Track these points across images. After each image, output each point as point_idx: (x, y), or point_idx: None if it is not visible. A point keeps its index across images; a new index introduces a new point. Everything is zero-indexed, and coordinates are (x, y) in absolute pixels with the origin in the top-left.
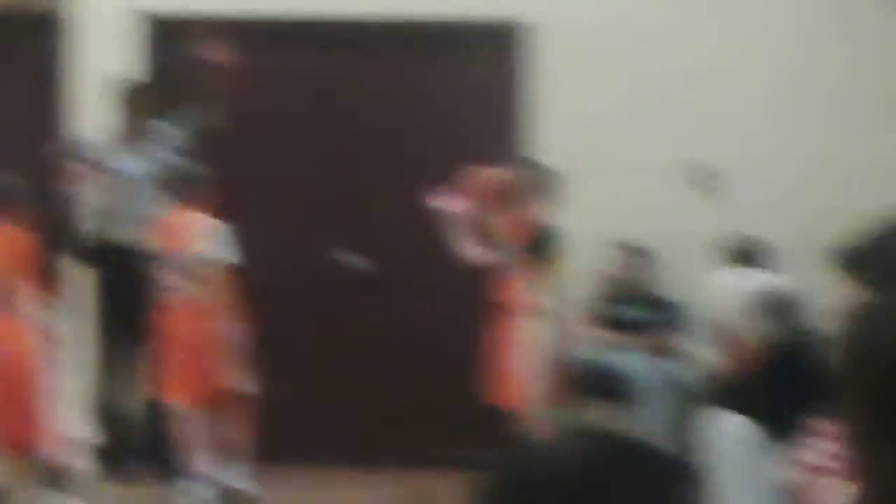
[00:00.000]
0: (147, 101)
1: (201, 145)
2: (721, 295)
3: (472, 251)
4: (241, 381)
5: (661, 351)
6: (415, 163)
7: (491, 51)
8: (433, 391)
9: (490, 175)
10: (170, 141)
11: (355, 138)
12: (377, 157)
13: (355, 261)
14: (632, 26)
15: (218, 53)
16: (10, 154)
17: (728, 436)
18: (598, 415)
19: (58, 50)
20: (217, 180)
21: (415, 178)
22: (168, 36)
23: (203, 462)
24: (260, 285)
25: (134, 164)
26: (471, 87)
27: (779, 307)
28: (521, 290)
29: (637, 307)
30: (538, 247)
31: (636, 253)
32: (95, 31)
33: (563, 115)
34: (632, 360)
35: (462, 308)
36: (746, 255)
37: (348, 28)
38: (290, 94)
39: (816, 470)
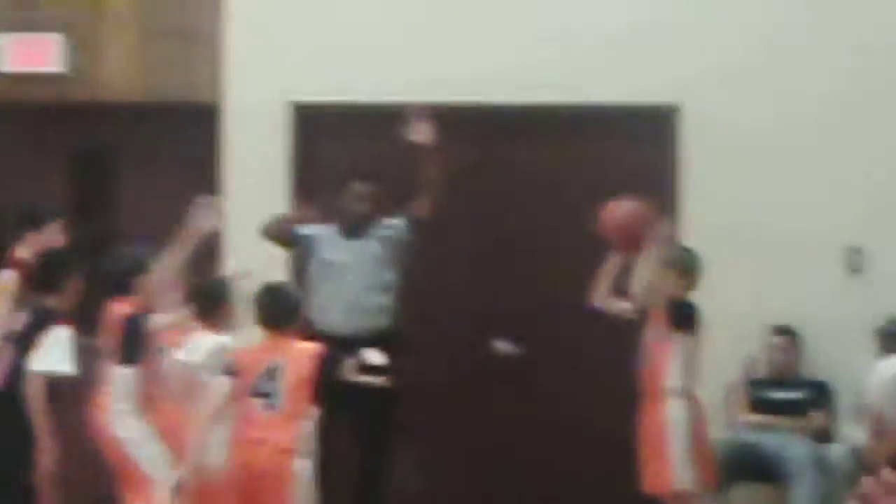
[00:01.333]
0: (367, 193)
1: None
2: (873, 378)
3: (614, 304)
4: None
5: (811, 432)
6: (567, 244)
7: (648, 133)
8: (587, 475)
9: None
10: (389, 231)
11: (519, 218)
12: (530, 242)
13: (507, 346)
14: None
15: (424, 136)
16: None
17: None
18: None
19: (214, 139)
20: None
21: (566, 260)
22: (316, 124)
23: None
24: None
25: (347, 253)
26: (628, 168)
27: None
28: (667, 370)
29: (786, 388)
30: (677, 318)
31: (784, 333)
32: (248, 121)
33: (713, 194)
34: (783, 442)
35: (614, 391)
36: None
37: (508, 113)
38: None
39: None
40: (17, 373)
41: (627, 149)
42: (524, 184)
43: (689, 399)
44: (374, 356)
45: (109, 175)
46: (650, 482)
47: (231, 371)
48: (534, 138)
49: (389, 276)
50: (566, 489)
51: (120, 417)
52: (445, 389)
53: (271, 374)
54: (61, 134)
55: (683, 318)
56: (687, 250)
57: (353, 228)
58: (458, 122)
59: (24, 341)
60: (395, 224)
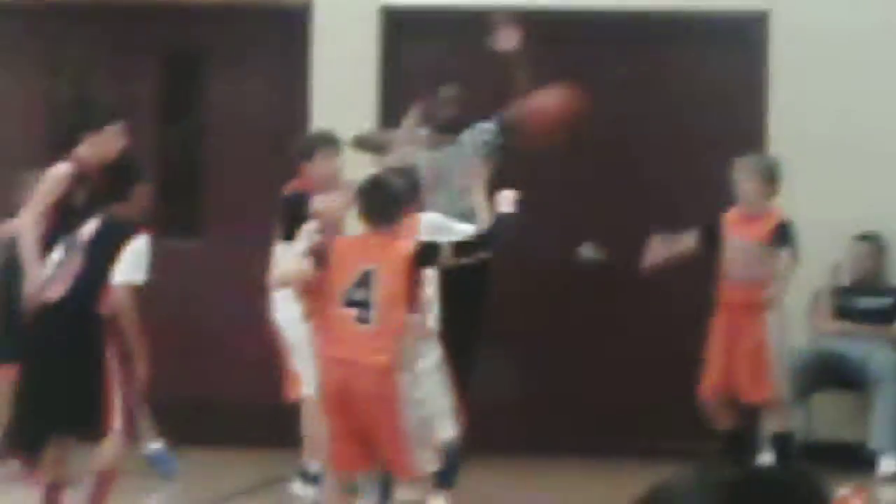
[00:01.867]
0: (454, 99)
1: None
2: None
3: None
4: None
5: (895, 340)
6: (656, 151)
7: (731, 41)
8: (669, 384)
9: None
10: (480, 135)
11: (604, 129)
12: (620, 148)
13: (592, 252)
14: (866, 19)
15: (510, 43)
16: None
17: None
18: None
19: (304, 41)
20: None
21: (656, 168)
22: (409, 30)
23: None
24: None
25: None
26: (718, 75)
27: None
28: (769, 284)
29: (870, 295)
30: (781, 239)
31: (869, 240)
32: (338, 23)
33: (797, 103)
34: (866, 349)
35: (696, 303)
36: None
37: (597, 20)
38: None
39: None
40: (85, 282)
41: (717, 55)
42: (612, 90)
43: (781, 310)
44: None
45: (199, 76)
46: (751, 391)
47: (320, 255)
48: (623, 45)
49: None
50: (639, 397)
51: (278, 301)
52: (531, 293)
53: (364, 280)
54: (151, 34)
55: (789, 236)
56: (770, 158)
57: (444, 132)
58: (546, 28)
59: (95, 251)
60: (486, 128)
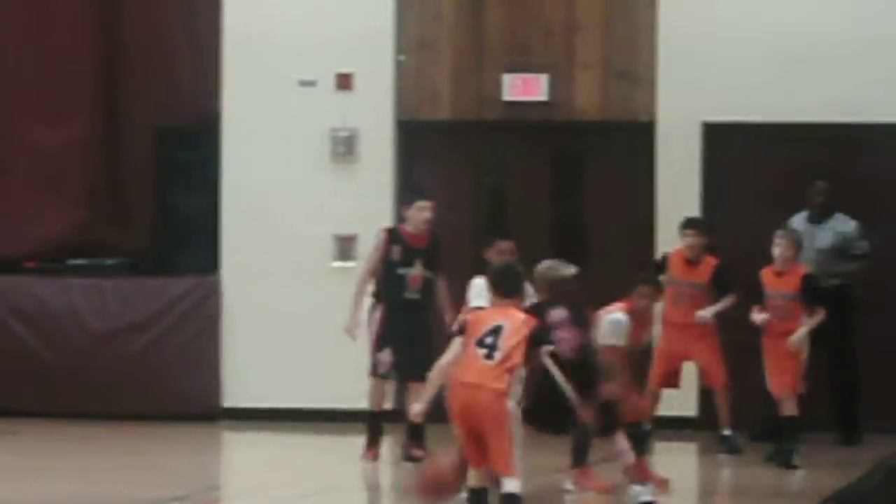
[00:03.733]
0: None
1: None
2: None
3: None
4: None
5: None
6: None
7: None
8: None
9: None
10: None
11: None
12: None
13: None
14: None
15: None
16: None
17: None
18: None
19: (650, 149)
20: None
21: None
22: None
23: None
24: None
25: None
26: None
27: None
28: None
29: None
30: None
31: None
32: (672, 136)
33: None
34: None
35: None
36: None
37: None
38: None
39: None
40: (585, 347)
41: None
42: None
43: None
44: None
45: (579, 174)
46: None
47: (462, 329)
48: None
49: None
50: None
51: None
52: None
53: (495, 331)
54: (545, 145)
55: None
56: None
57: (815, 216)
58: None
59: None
60: (848, 222)
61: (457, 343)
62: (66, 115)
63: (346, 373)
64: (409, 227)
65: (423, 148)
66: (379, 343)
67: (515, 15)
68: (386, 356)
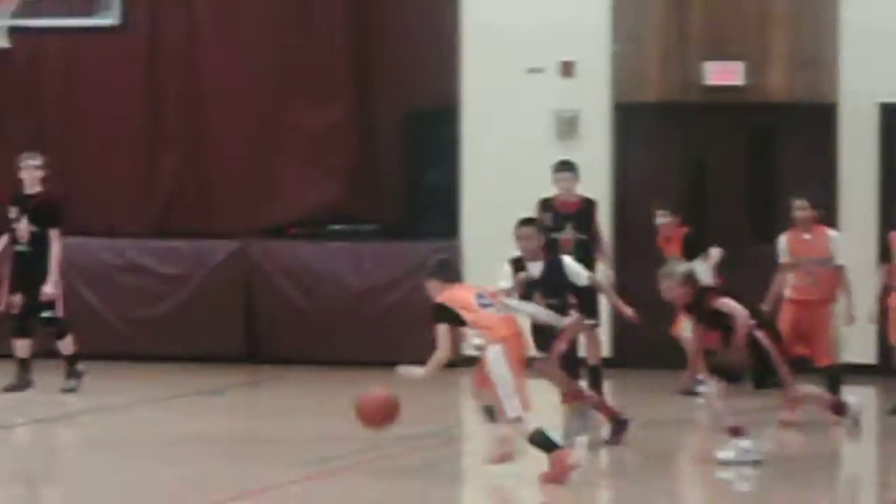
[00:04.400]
0: None
1: None
2: None
3: None
4: None
5: None
6: None
7: None
8: None
9: None
10: None
11: None
12: None
13: None
14: None
15: None
16: None
17: None
18: None
19: (829, 132)
20: None
21: None
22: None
23: None
24: None
25: None
26: None
27: None
28: None
29: None
30: None
31: None
32: (852, 117)
33: None
34: None
35: None
36: None
37: None
38: None
39: None
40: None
41: None
42: None
43: None
44: None
45: (769, 150)
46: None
47: None
48: None
49: None
50: None
51: None
52: None
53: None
54: (740, 124)
55: None
56: None
57: None
58: None
59: None
60: None
61: None
62: (328, 103)
63: None
64: (560, 196)
65: (634, 127)
66: None
67: (715, 9)
68: None
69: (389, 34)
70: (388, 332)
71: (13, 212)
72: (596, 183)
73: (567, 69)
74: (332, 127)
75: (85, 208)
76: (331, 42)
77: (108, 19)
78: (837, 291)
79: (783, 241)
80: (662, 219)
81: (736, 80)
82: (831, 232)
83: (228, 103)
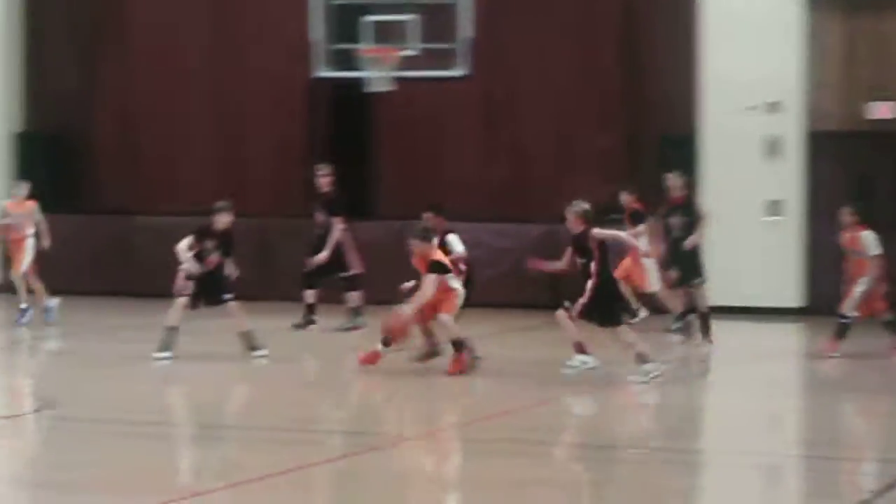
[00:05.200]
0: None
1: None
2: None
3: None
4: None
5: None
6: None
7: None
8: None
9: None
10: None
11: None
12: None
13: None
14: None
15: None
16: None
17: None
18: None
19: None
20: None
21: None
22: None
23: None
24: None
25: None
26: None
27: None
28: None
29: None
30: None
31: None
32: None
33: None
34: None
35: None
36: None
37: None
38: None
39: None
40: None
41: None
42: None
43: None
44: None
45: None
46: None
47: None
48: None
49: None
50: None
51: None
52: None
53: None
54: (893, 148)
55: None
56: None
57: None
58: None
59: None
60: None
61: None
62: (606, 130)
63: None
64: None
65: (821, 149)
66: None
67: (877, 64)
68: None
69: (647, 77)
70: None
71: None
72: (790, 188)
73: (774, 107)
74: (609, 148)
75: (436, 199)
76: (608, 83)
77: (459, 71)
78: None
79: None
80: (846, 217)
81: (889, 115)
82: None
83: (540, 129)
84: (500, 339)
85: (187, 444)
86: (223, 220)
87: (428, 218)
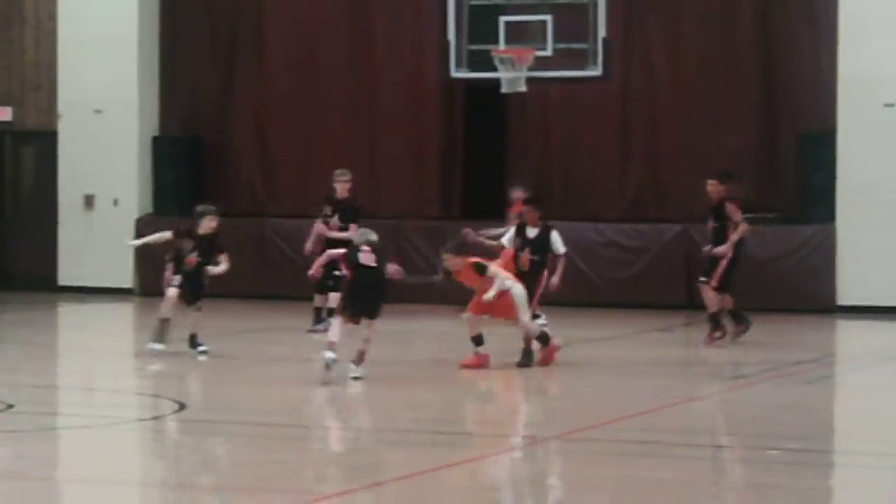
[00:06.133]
0: None
1: None
2: None
3: None
4: None
5: None
6: None
7: None
8: None
9: None
10: None
11: None
12: None
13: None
14: None
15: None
16: None
17: None
18: None
19: None
20: None
21: None
22: None
23: None
24: None
25: None
26: None
27: None
28: None
29: None
30: None
31: None
32: None
33: None
34: None
35: None
36: None
37: None
38: None
39: None
40: None
41: None
42: None
43: None
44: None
45: None
46: None
47: None
48: None
49: None
50: None
51: None
52: None
53: None
54: None
55: None
56: None
57: None
58: None
59: None
60: None
61: None
62: (742, 129)
63: None
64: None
65: None
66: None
67: None
68: None
69: (785, 75)
70: (785, 285)
71: (328, 209)
72: None
73: None
74: (745, 146)
75: (570, 200)
76: (744, 82)
77: (594, 71)
78: None
79: None
80: None
81: None
82: None
83: (675, 128)
84: (635, 339)
85: (325, 444)
86: (206, 225)
87: (525, 211)
